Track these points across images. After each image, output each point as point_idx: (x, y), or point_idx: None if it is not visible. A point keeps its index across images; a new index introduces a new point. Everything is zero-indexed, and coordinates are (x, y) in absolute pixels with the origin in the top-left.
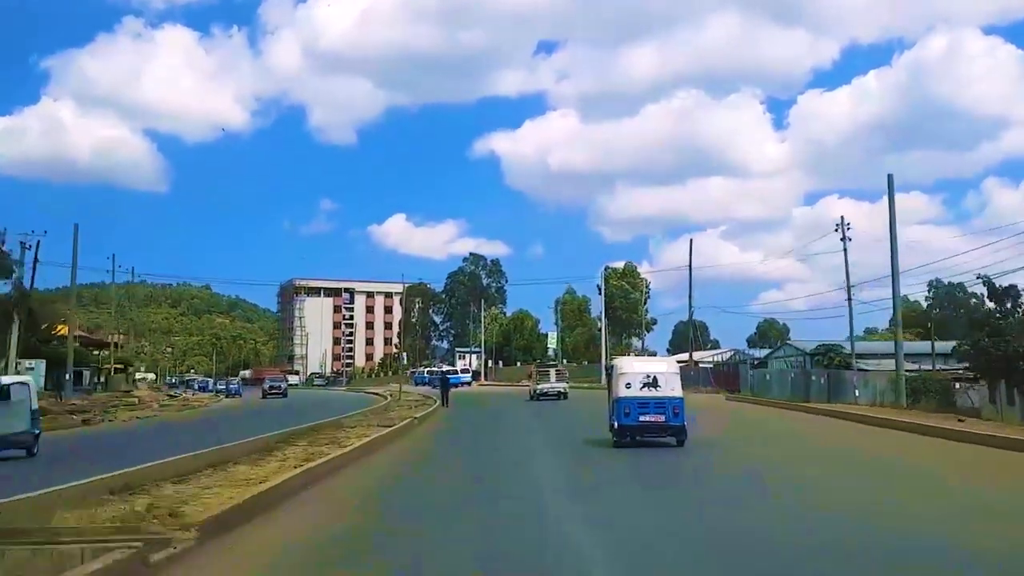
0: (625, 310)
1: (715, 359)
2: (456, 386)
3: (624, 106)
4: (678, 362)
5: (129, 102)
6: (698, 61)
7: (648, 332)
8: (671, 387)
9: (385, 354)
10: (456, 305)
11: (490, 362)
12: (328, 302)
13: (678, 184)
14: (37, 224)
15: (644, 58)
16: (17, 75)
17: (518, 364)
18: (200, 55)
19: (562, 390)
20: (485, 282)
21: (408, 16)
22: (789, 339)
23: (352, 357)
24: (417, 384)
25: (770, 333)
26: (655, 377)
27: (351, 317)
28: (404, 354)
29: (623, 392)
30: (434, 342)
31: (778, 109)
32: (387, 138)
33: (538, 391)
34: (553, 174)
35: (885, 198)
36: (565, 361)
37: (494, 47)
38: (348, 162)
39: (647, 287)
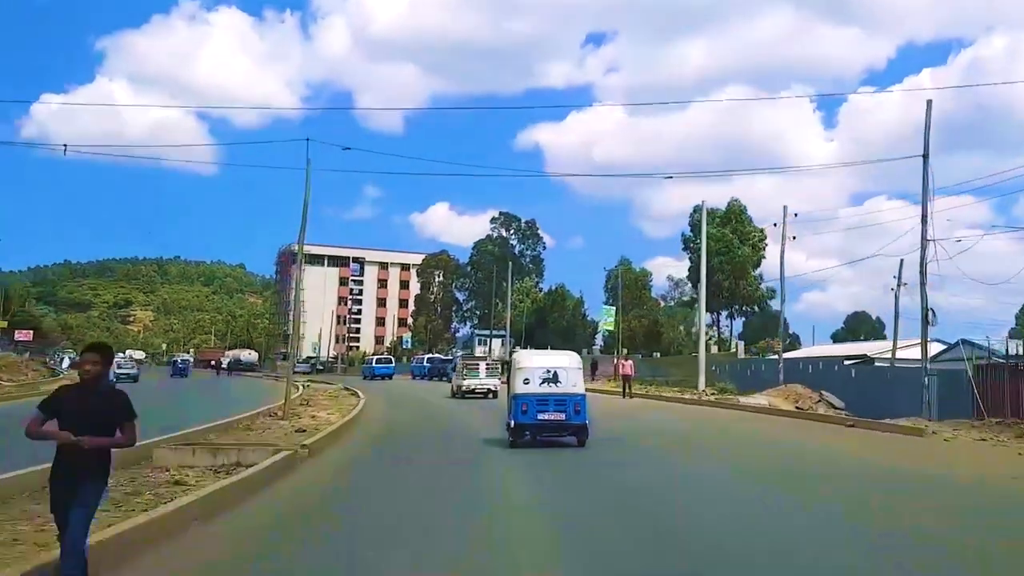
0: (728, 274)
1: (969, 356)
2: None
3: (671, 100)
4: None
5: (182, 83)
6: (749, 57)
7: (760, 309)
8: (572, 383)
9: (399, 336)
10: (483, 280)
11: (519, 348)
12: (333, 272)
13: (723, 180)
14: (87, 201)
15: (694, 53)
16: (73, 54)
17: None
18: (253, 39)
19: (491, 387)
20: (517, 249)
21: (457, 4)
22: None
23: (358, 338)
24: (415, 376)
25: (861, 329)
26: (556, 372)
27: (360, 291)
28: (408, 336)
29: (521, 388)
30: (455, 324)
31: (828, 107)
32: (433, 126)
33: (463, 387)
34: (596, 167)
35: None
36: (625, 351)
37: (543, 38)
38: (394, 149)
39: (762, 242)
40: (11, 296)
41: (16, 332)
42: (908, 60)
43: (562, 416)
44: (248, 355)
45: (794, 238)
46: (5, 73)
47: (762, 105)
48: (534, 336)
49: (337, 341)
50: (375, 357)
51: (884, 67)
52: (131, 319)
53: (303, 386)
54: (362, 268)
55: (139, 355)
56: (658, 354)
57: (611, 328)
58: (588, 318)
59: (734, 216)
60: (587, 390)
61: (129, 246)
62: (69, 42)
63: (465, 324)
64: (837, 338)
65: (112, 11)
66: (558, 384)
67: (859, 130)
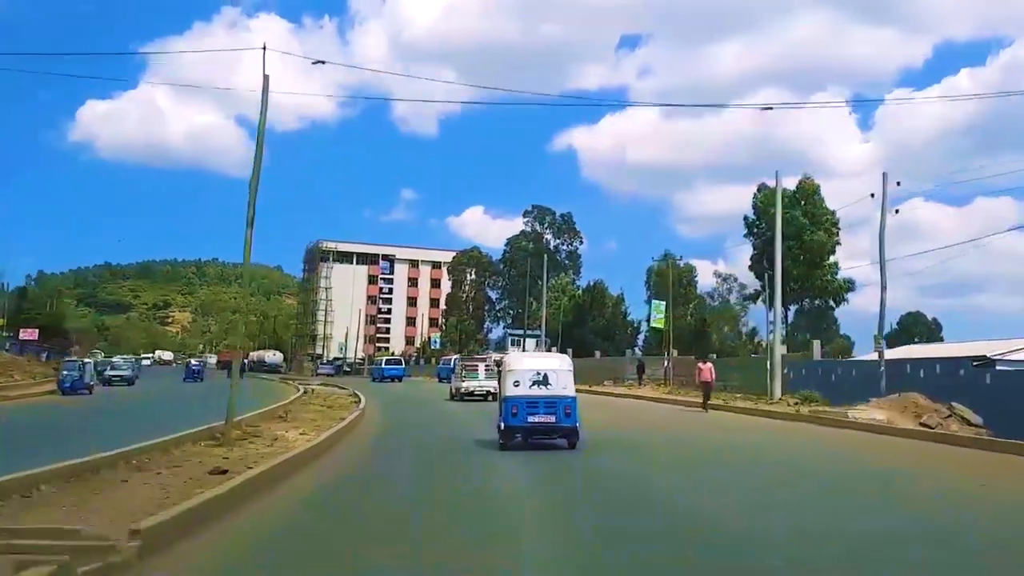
0: (800, 261)
1: None
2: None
3: (706, 103)
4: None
5: (222, 88)
6: (783, 58)
7: (840, 304)
8: (563, 385)
9: (428, 336)
10: (516, 278)
11: (555, 349)
12: (362, 271)
13: (749, 182)
14: (131, 206)
15: (728, 55)
16: (117, 60)
17: (596, 354)
18: (293, 45)
19: (490, 389)
20: (553, 244)
21: (491, 9)
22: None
23: (388, 339)
24: (441, 378)
25: (915, 330)
26: (546, 375)
27: (390, 290)
28: (437, 336)
29: (511, 391)
30: (488, 323)
31: (864, 108)
32: (468, 130)
33: (462, 389)
34: (630, 169)
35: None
36: (676, 352)
37: (577, 41)
38: (429, 153)
39: (835, 226)
40: (28, 295)
41: (21, 331)
42: (944, 60)
43: (552, 418)
44: (272, 356)
45: (896, 211)
46: (50, 78)
47: (797, 107)
48: (572, 335)
49: (367, 341)
50: (384, 359)
51: (921, 67)
52: (170, 320)
53: (307, 390)
54: (392, 266)
55: (168, 356)
56: (714, 356)
57: (660, 326)
58: (628, 317)
59: (805, 196)
60: (635, 397)
61: (167, 248)
62: (113, 48)
63: (498, 324)
64: (890, 340)
65: (155, 18)
66: (548, 387)
67: (895, 132)
